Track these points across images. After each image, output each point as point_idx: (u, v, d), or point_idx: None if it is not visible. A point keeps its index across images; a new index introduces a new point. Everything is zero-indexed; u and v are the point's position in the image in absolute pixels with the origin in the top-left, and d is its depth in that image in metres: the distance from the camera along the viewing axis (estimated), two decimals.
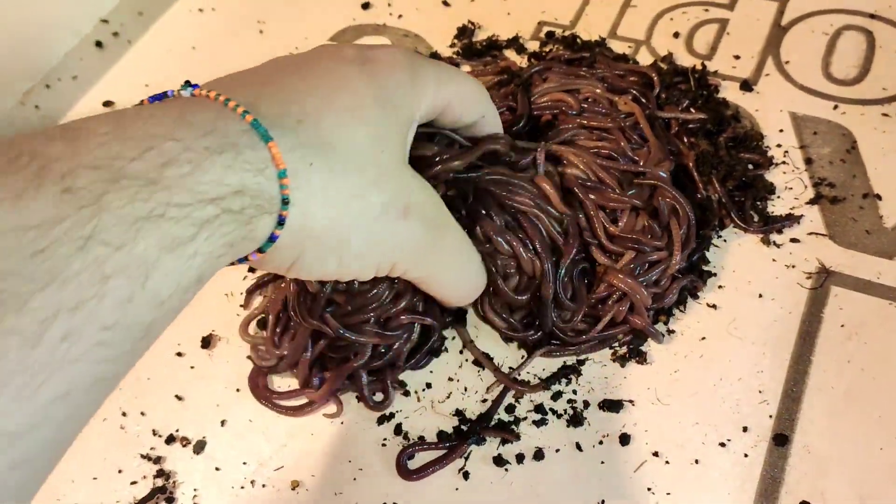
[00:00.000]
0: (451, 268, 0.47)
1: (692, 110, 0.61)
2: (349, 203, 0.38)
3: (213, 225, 0.32)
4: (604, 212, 0.53)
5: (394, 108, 0.41)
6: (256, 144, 0.34)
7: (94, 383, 0.28)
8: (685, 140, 0.60)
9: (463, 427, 0.50)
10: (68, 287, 0.27)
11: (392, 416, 0.51)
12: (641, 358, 0.51)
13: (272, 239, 0.36)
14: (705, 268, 0.55)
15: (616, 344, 0.52)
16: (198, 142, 0.32)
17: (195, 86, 0.36)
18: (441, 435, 0.50)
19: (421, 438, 0.50)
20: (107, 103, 0.73)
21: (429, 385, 0.52)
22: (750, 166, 0.59)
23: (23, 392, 0.26)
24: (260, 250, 0.36)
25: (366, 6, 0.78)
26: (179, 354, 0.55)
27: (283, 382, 0.53)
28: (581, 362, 0.52)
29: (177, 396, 0.53)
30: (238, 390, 0.53)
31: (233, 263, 0.37)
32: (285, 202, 0.35)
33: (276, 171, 0.35)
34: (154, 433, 0.52)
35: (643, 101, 0.59)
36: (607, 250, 0.52)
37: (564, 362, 0.52)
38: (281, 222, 0.35)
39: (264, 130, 0.34)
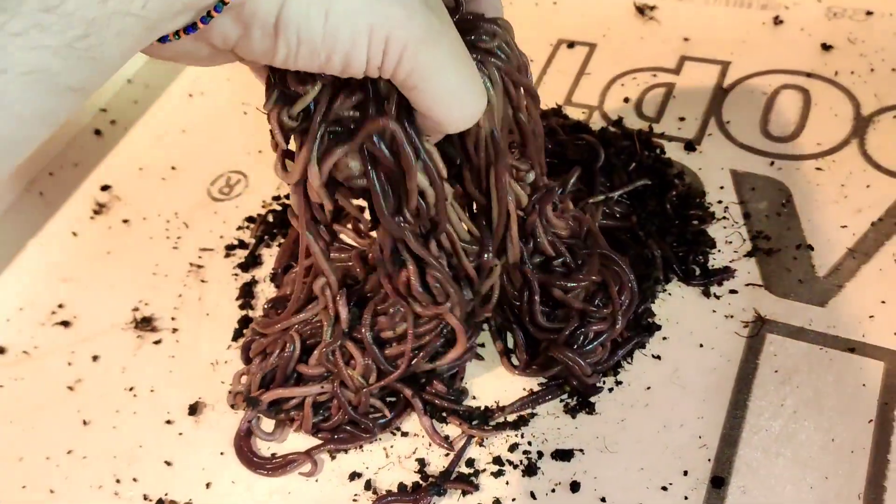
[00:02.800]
0: (451, 69, 0.40)
1: (634, 174, 0.66)
2: None
3: None
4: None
5: None
6: None
7: (28, 72, 0.29)
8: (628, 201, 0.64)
9: (421, 483, 0.54)
10: None
11: (360, 474, 0.55)
12: (590, 409, 0.56)
13: None
14: (650, 320, 0.59)
15: (566, 396, 0.56)
16: None
17: None
18: (404, 488, 0.54)
19: (388, 492, 0.54)
20: (104, 187, 0.79)
21: (396, 441, 0.57)
22: (694, 222, 0.64)
23: None
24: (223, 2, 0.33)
25: None
26: (168, 422, 0.60)
27: (264, 446, 0.58)
28: (532, 415, 0.56)
29: (166, 462, 0.58)
30: (222, 453, 0.58)
31: (210, 16, 0.34)
32: None
33: None
34: (145, 498, 0.56)
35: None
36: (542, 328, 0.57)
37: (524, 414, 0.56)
38: None
39: None
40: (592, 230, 0.58)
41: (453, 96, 0.41)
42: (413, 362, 0.54)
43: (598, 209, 0.62)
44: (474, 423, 0.56)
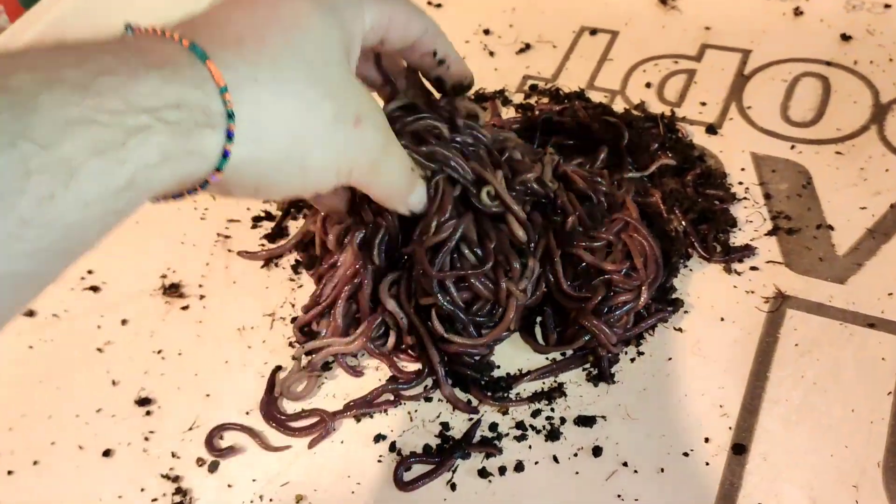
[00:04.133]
0: (394, 170, 0.50)
1: (660, 154, 0.67)
2: (304, 116, 0.40)
3: (145, 133, 0.32)
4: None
5: (337, 21, 0.43)
6: (195, 63, 0.35)
7: (8, 277, 0.30)
8: (655, 179, 0.66)
9: (445, 445, 0.55)
10: None
11: (385, 436, 0.56)
12: (610, 379, 0.56)
13: (226, 156, 0.37)
14: (673, 296, 0.60)
15: (588, 366, 0.57)
16: (136, 58, 0.33)
17: (133, 27, 0.38)
18: (430, 450, 0.55)
19: (412, 453, 0.55)
20: None
21: (420, 405, 0.57)
22: (715, 202, 0.65)
23: None
24: (218, 169, 0.37)
25: None
26: (195, 384, 0.61)
27: (290, 407, 0.59)
28: (560, 384, 0.57)
29: (193, 423, 0.59)
30: (248, 413, 0.59)
31: (196, 190, 0.38)
32: (230, 116, 0.36)
33: (218, 88, 0.36)
34: (173, 455, 0.57)
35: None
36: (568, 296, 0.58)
37: (544, 385, 0.57)
38: (230, 136, 0.36)
39: (201, 51, 0.36)
40: (627, 202, 0.59)
41: (397, 187, 0.52)
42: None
43: (631, 184, 0.63)
44: (495, 395, 0.57)
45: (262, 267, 0.67)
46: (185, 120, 0.34)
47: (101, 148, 0.31)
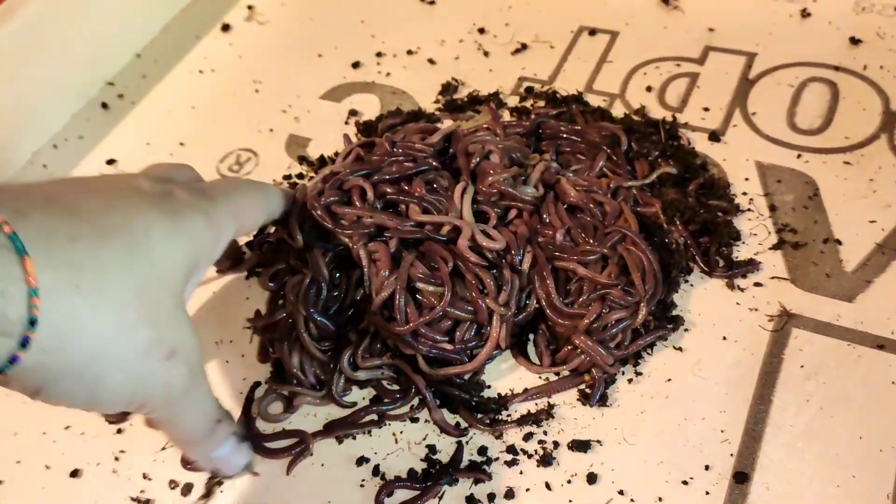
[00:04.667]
0: (195, 414, 0.46)
1: (660, 162, 0.64)
2: (116, 336, 0.37)
3: None
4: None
5: (182, 248, 0.41)
6: (10, 258, 0.32)
7: None
8: (655, 188, 0.63)
9: (432, 470, 0.52)
10: None
11: (368, 459, 0.53)
12: (604, 401, 0.54)
13: (13, 360, 0.33)
14: (672, 313, 0.57)
15: (583, 387, 0.54)
16: None
17: None
18: (415, 475, 0.52)
19: (396, 478, 0.52)
20: (110, 161, 0.77)
21: (406, 426, 0.55)
22: (718, 213, 0.62)
23: None
24: (0, 372, 0.34)
25: (356, 65, 0.82)
26: None
27: (269, 427, 0.56)
28: (552, 406, 0.54)
29: (167, 442, 0.56)
30: None
31: None
32: (32, 322, 0.33)
33: (28, 289, 0.32)
34: (144, 476, 0.54)
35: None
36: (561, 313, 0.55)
37: (537, 406, 0.54)
38: (24, 343, 0.33)
39: (21, 244, 0.32)
40: (626, 213, 0.56)
41: (193, 430, 0.46)
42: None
43: (629, 193, 0.60)
44: (484, 417, 0.54)
45: (247, 278, 0.64)
46: None
47: None
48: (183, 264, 0.41)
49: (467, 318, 0.54)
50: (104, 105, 0.83)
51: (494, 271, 0.54)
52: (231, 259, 0.64)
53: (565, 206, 0.58)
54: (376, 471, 0.53)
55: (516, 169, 0.56)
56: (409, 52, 0.81)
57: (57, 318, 0.34)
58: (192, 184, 0.47)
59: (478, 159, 0.58)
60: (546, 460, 0.51)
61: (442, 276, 0.53)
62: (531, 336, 0.57)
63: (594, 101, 0.73)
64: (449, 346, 0.54)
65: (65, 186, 0.40)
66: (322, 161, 0.72)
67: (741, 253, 0.60)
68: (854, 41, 0.73)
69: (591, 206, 0.57)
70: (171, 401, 0.42)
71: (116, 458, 0.55)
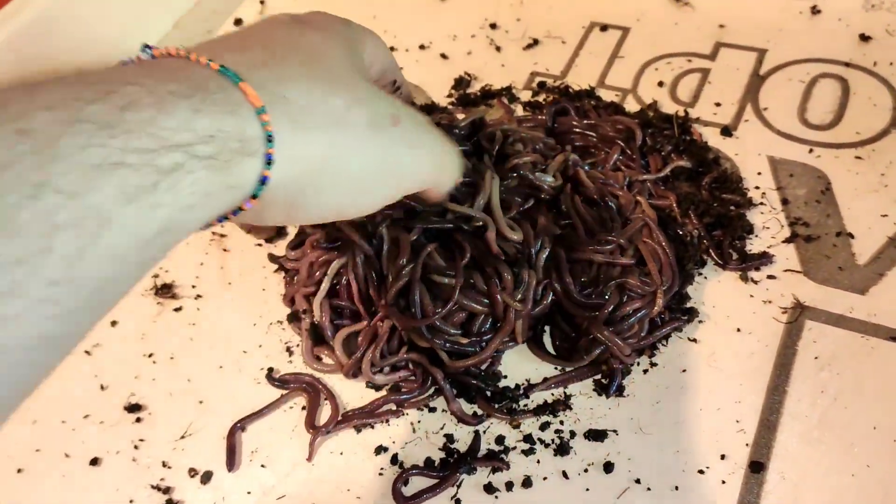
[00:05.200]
0: (441, 152, 0.47)
1: (673, 157, 0.64)
2: (336, 126, 0.37)
3: (179, 173, 0.30)
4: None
5: (348, 42, 0.43)
6: (227, 87, 0.33)
7: (38, 341, 0.27)
8: (669, 182, 0.63)
9: (449, 458, 0.52)
10: (15, 239, 0.25)
11: (387, 448, 0.54)
12: (620, 392, 0.54)
13: (263, 181, 0.34)
14: (687, 305, 0.58)
15: (600, 376, 0.55)
16: (161, 86, 0.30)
17: (151, 47, 0.35)
18: (432, 463, 0.52)
19: (414, 466, 0.52)
20: None
21: (423, 416, 0.55)
22: (731, 207, 0.62)
23: None
24: (253, 196, 0.35)
25: None
26: (187, 390, 0.58)
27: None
28: (568, 396, 0.55)
29: (185, 431, 0.56)
30: (241, 426, 0.56)
31: (226, 218, 0.36)
32: (269, 139, 0.34)
33: (254, 109, 0.33)
34: (164, 464, 0.55)
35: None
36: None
37: (553, 395, 0.55)
38: (269, 161, 0.34)
39: (234, 73, 0.33)
40: (643, 205, 0.57)
41: (445, 168, 0.48)
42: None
43: (644, 186, 0.60)
44: (501, 406, 0.54)
45: (260, 269, 0.65)
46: (220, 152, 0.31)
47: (132, 193, 0.28)
48: (353, 62, 0.42)
49: (482, 312, 0.54)
50: None
51: (514, 268, 0.54)
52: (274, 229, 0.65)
53: (582, 199, 0.58)
54: (395, 459, 0.53)
55: (537, 156, 0.57)
56: (422, 47, 0.82)
57: (283, 130, 0.34)
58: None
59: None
60: (562, 449, 0.52)
61: (456, 268, 0.53)
62: (547, 327, 0.57)
63: (606, 96, 0.73)
64: (464, 340, 0.54)
65: (224, 36, 0.40)
66: None
67: (754, 246, 0.60)
68: (864, 38, 0.73)
69: (608, 198, 0.58)
70: (421, 158, 0.44)
71: (136, 447, 0.56)
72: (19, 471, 0.55)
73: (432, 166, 0.46)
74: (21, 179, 0.25)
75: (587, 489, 0.50)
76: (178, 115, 0.30)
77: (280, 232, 0.67)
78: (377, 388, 0.56)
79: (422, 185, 0.46)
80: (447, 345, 0.54)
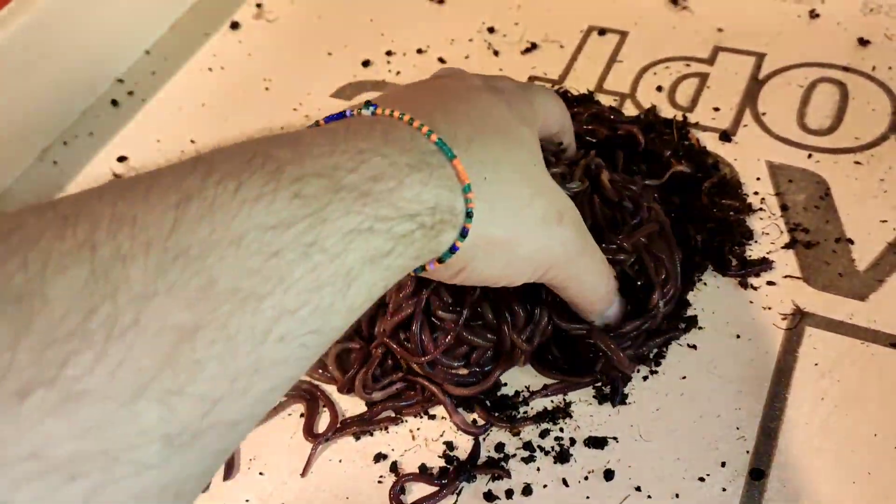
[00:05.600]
0: (593, 271, 0.50)
1: (674, 162, 0.64)
2: (519, 213, 0.41)
3: (408, 240, 0.34)
4: None
5: (528, 125, 0.45)
6: (444, 162, 0.37)
7: (287, 384, 0.30)
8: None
9: (449, 466, 0.52)
10: (291, 292, 0.28)
11: (386, 455, 0.53)
12: (622, 400, 0.54)
13: (453, 250, 0.38)
14: (687, 313, 0.57)
15: (599, 384, 0.55)
16: (400, 158, 0.34)
17: (375, 105, 0.39)
18: (426, 471, 0.52)
19: (413, 473, 0.52)
20: (121, 158, 0.77)
21: (423, 424, 0.55)
22: (731, 213, 0.62)
23: (244, 387, 0.27)
24: (439, 260, 0.39)
25: (366, 63, 0.82)
26: None
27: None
28: (568, 403, 0.54)
29: None
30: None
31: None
32: (469, 215, 0.38)
33: (462, 186, 0.37)
34: None
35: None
36: None
37: (553, 403, 0.55)
38: (464, 234, 0.38)
39: (448, 149, 0.37)
40: (655, 209, 0.57)
41: (596, 290, 0.51)
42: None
43: (649, 192, 0.60)
44: (501, 414, 0.54)
45: None
46: (437, 223, 0.36)
47: (374, 256, 0.31)
48: (536, 140, 0.46)
49: (486, 347, 0.54)
50: (114, 102, 0.83)
51: (528, 305, 0.54)
52: None
53: (600, 200, 0.58)
54: (394, 467, 0.53)
55: (564, 167, 0.56)
56: (419, 51, 0.82)
57: (480, 208, 0.38)
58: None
59: None
60: (563, 457, 0.52)
61: (464, 301, 0.52)
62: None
63: (605, 100, 0.73)
64: (464, 371, 0.54)
65: (428, 92, 0.44)
66: None
67: (754, 252, 0.60)
68: (862, 42, 0.73)
69: (625, 201, 0.57)
70: (571, 259, 0.46)
71: None
72: None
73: (572, 270, 0.48)
74: (297, 239, 0.28)
75: (587, 497, 0.50)
76: (412, 188, 0.34)
77: None
78: (373, 403, 0.56)
79: (563, 288, 0.49)
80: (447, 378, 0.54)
